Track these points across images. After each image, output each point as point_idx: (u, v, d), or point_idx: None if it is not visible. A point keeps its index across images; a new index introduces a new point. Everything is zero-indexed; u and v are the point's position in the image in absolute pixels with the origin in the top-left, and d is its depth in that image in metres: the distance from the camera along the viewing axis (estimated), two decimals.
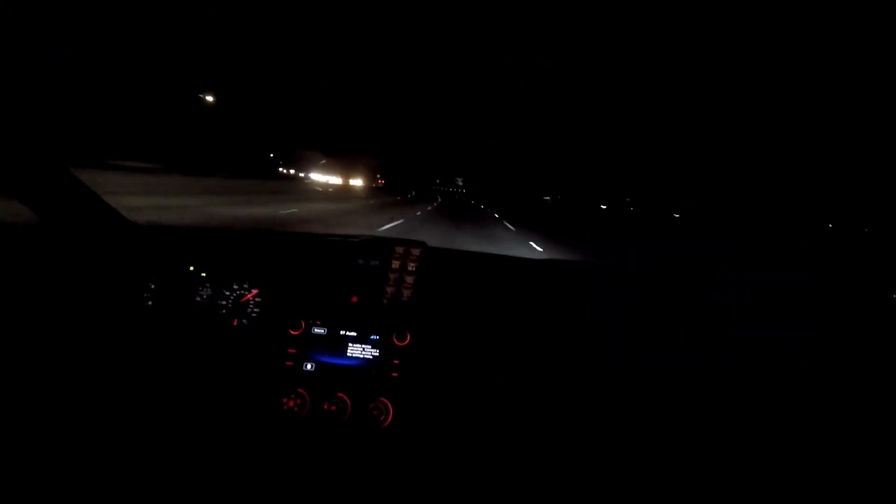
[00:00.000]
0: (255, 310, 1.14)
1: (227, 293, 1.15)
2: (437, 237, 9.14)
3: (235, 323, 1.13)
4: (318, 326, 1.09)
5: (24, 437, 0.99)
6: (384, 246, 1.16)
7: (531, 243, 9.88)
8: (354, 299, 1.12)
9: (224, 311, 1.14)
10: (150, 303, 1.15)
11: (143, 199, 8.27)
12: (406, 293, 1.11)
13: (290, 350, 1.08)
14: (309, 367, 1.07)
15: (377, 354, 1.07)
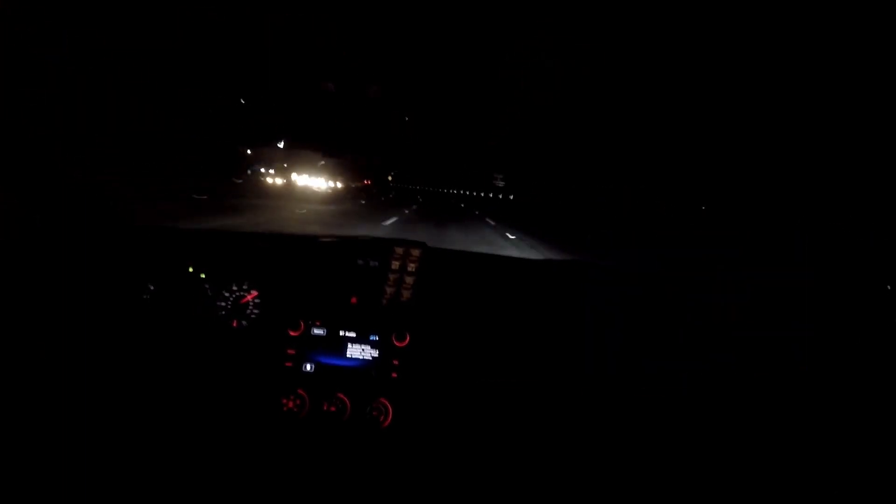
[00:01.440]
0: (255, 311, 1.14)
1: (227, 294, 1.15)
2: None
3: (235, 324, 1.13)
4: (318, 327, 1.09)
5: (25, 438, 0.99)
6: (384, 246, 1.16)
7: None
8: (354, 300, 1.12)
9: (223, 312, 1.14)
10: (149, 304, 1.15)
11: None
12: (406, 294, 1.11)
13: (290, 351, 1.07)
14: (308, 367, 1.07)
15: (377, 355, 1.07)
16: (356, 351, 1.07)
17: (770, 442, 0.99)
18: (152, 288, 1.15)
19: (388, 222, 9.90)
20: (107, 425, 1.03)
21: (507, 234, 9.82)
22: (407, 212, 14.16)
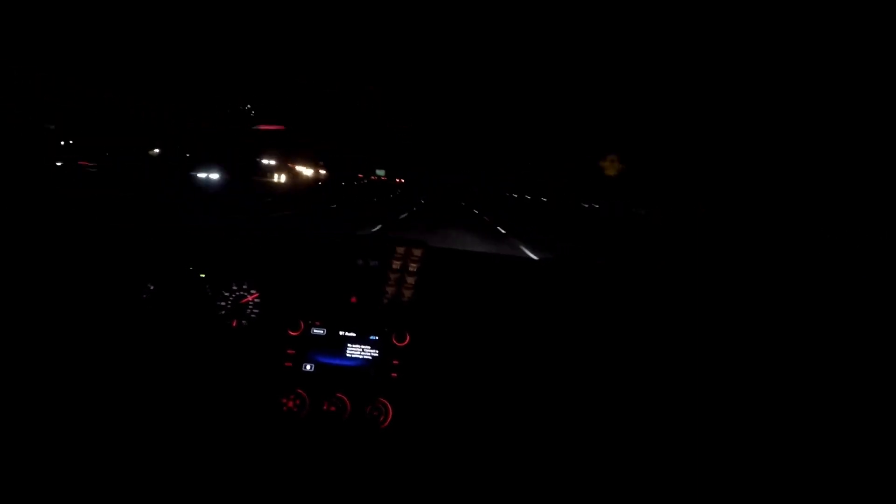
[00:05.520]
0: (255, 311, 1.14)
1: (227, 294, 1.15)
2: None
3: (235, 324, 1.13)
4: (318, 327, 1.09)
5: (25, 437, 0.99)
6: (384, 246, 1.15)
7: None
8: (354, 300, 1.11)
9: (223, 311, 1.14)
10: (148, 304, 1.15)
11: None
12: (406, 293, 1.11)
13: (290, 351, 1.07)
14: (308, 367, 1.07)
15: (376, 355, 1.07)
16: (356, 351, 1.07)
17: (769, 441, 0.99)
18: (152, 287, 1.15)
19: None
20: (107, 425, 1.03)
21: None
22: None
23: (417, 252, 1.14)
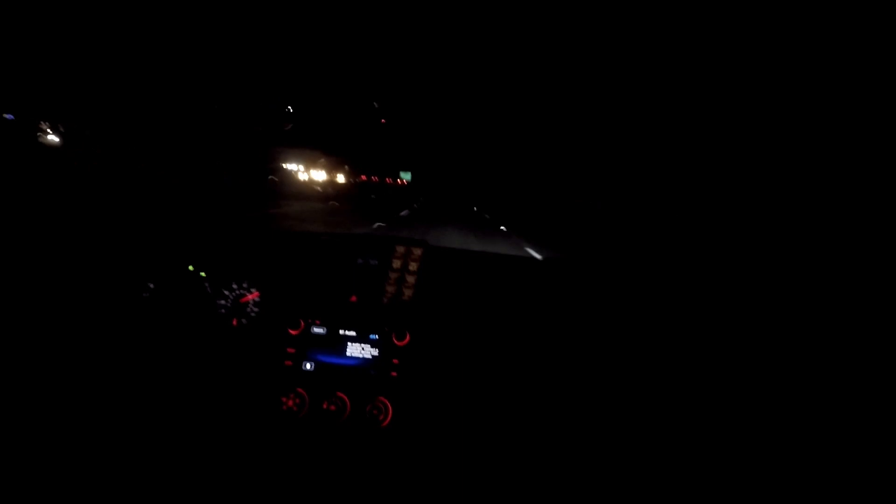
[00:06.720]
0: (255, 309, 1.14)
1: (227, 293, 1.15)
2: None
3: (235, 323, 1.13)
4: (318, 326, 1.09)
5: (25, 437, 0.99)
6: (384, 245, 1.15)
7: None
8: (354, 299, 1.11)
9: (223, 310, 1.14)
10: (149, 302, 1.15)
11: None
12: (406, 292, 1.11)
13: (290, 349, 1.07)
14: (308, 366, 1.07)
15: (376, 354, 1.07)
16: (356, 350, 1.07)
17: (769, 441, 0.99)
18: (152, 286, 1.15)
19: None
20: (107, 424, 1.03)
21: None
22: None
23: (417, 251, 1.14)
